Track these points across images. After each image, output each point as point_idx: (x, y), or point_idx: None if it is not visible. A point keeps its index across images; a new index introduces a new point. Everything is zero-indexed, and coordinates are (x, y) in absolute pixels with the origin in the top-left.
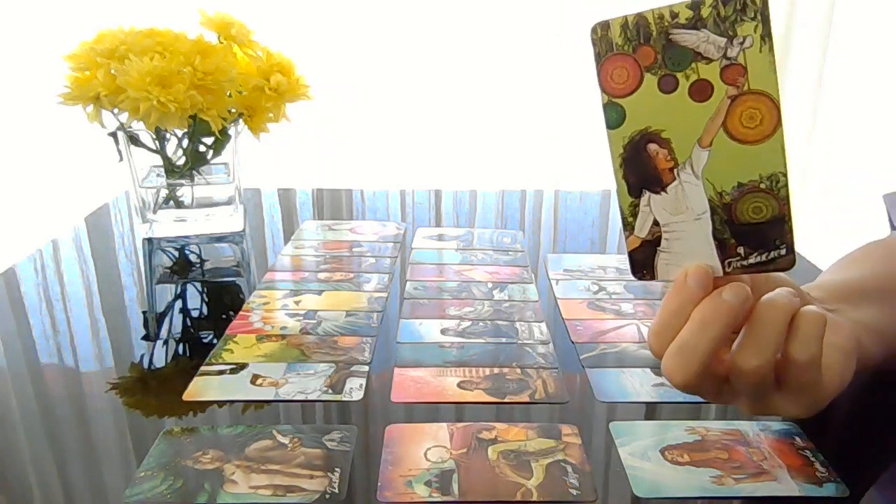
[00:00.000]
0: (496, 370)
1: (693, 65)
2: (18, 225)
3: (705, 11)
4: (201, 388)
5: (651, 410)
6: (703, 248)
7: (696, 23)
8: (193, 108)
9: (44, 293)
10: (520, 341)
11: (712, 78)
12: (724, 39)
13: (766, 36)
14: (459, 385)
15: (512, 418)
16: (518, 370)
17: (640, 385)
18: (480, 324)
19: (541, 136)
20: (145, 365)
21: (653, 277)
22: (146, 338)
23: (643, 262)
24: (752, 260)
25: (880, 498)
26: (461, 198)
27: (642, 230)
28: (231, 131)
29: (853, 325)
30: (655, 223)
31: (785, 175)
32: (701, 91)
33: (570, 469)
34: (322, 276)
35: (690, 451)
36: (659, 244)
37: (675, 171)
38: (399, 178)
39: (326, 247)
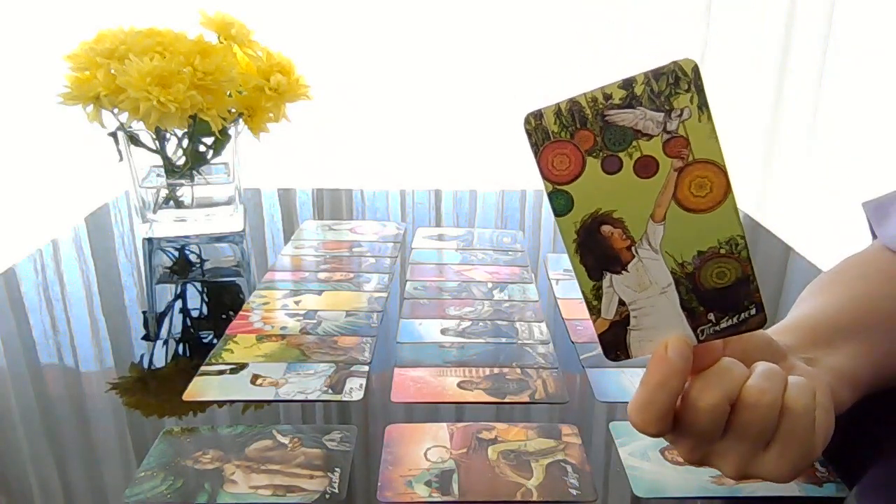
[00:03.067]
0: (496, 370)
1: (634, 143)
2: (18, 225)
3: (639, 89)
4: (201, 388)
5: None
6: (673, 319)
7: (630, 101)
8: (193, 108)
9: (44, 293)
10: (520, 341)
11: (656, 153)
12: (662, 114)
13: (703, 105)
14: (459, 385)
15: (512, 418)
16: (518, 370)
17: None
18: (480, 324)
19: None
20: (145, 365)
21: (627, 356)
22: (146, 338)
23: (615, 342)
24: (723, 324)
25: (880, 498)
26: (461, 198)
27: (609, 312)
28: (231, 131)
29: (828, 376)
30: (621, 303)
31: (742, 237)
32: (646, 167)
33: (570, 469)
34: (322, 276)
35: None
36: (628, 323)
37: (633, 248)
38: (399, 178)
39: (326, 247)
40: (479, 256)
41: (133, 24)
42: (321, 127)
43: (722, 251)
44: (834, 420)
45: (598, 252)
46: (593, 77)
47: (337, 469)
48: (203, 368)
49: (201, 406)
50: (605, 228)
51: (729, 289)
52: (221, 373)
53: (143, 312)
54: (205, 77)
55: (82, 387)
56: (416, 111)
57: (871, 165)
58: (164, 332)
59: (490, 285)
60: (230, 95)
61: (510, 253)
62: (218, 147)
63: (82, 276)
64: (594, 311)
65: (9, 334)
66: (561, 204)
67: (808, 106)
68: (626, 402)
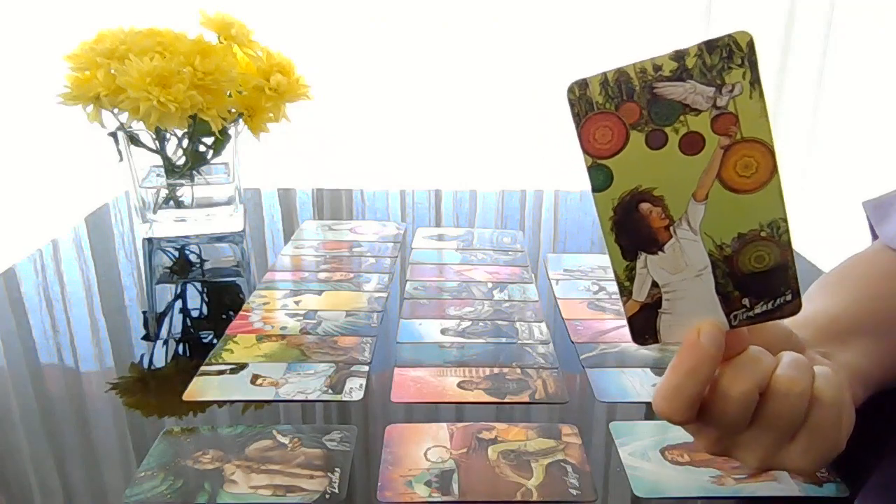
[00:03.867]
0: (496, 370)
1: (682, 118)
2: (18, 225)
3: (690, 61)
4: (201, 388)
5: (651, 410)
6: (707, 304)
7: (681, 74)
8: (193, 108)
9: (44, 293)
10: (520, 341)
11: (703, 129)
12: (713, 89)
13: (756, 81)
14: (459, 385)
15: (512, 418)
16: (518, 370)
17: (640, 385)
18: (480, 324)
19: (541, 137)
20: (145, 365)
21: (656, 341)
22: (146, 338)
23: (644, 326)
24: (757, 310)
25: (880, 498)
26: (461, 198)
27: (641, 294)
28: (231, 131)
29: (844, 372)
30: (654, 285)
31: (785, 220)
32: (692, 144)
33: (570, 469)
34: (322, 276)
35: (690, 451)
36: (660, 306)
37: (671, 228)
38: (399, 178)
39: (326, 247)
40: (479, 256)
41: (133, 24)
42: (321, 127)
43: (763, 234)
44: (854, 415)
45: (634, 231)
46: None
47: (337, 469)
48: (203, 368)
49: (201, 406)
50: (644, 206)
51: (767, 273)
52: (221, 373)
53: (143, 312)
54: (205, 77)
55: (82, 387)
56: (416, 111)
57: (870, 165)
58: (164, 332)
59: (490, 285)
60: (230, 95)
61: (510, 253)
62: (218, 147)
63: (82, 276)
64: (625, 292)
65: (9, 334)
66: (600, 179)
67: (808, 106)
68: (627, 403)
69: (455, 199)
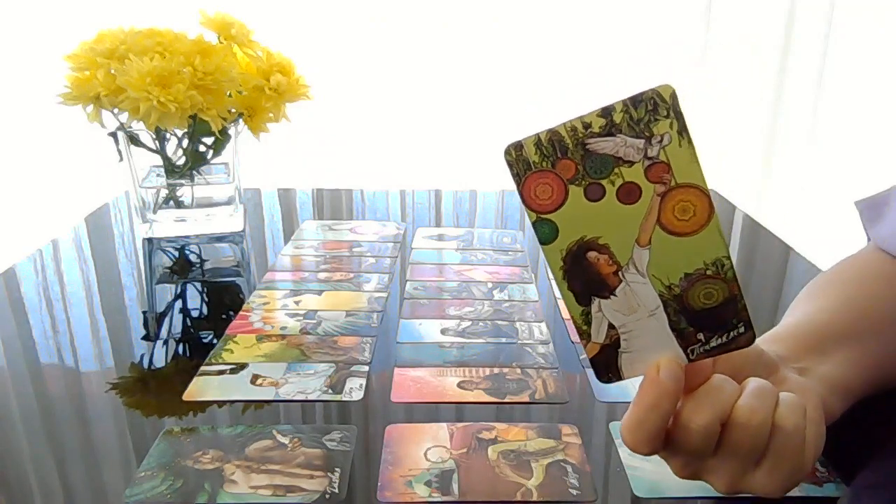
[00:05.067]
0: (496, 370)
1: (616, 170)
2: (18, 225)
3: (618, 117)
4: (201, 388)
5: None
6: (663, 340)
7: (610, 129)
8: (193, 108)
9: (44, 293)
10: (520, 341)
11: (638, 179)
12: (642, 140)
13: (683, 130)
14: (459, 385)
15: (512, 418)
16: (518, 370)
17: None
18: (480, 324)
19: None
20: (145, 365)
21: (619, 378)
22: (146, 338)
23: (606, 365)
24: (713, 343)
25: (880, 498)
26: (461, 198)
27: (599, 335)
28: (231, 131)
29: (819, 387)
30: (611, 326)
31: (728, 258)
32: (629, 194)
33: (570, 469)
34: (322, 276)
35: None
36: (619, 346)
37: (620, 273)
38: (399, 178)
39: (326, 247)
40: (479, 256)
41: (133, 24)
42: (321, 127)
43: (708, 272)
44: (825, 433)
45: (585, 278)
46: (593, 77)
47: (337, 469)
48: (203, 368)
49: (201, 406)
50: (592, 255)
51: (717, 309)
52: (221, 373)
53: (143, 312)
54: (205, 77)
55: (82, 387)
56: (416, 111)
57: (870, 165)
58: (164, 332)
59: (490, 285)
60: (230, 95)
61: (510, 253)
62: (218, 147)
63: (82, 276)
64: (584, 335)
65: (9, 334)
66: (546, 232)
67: (808, 106)
68: (627, 402)
69: (455, 199)
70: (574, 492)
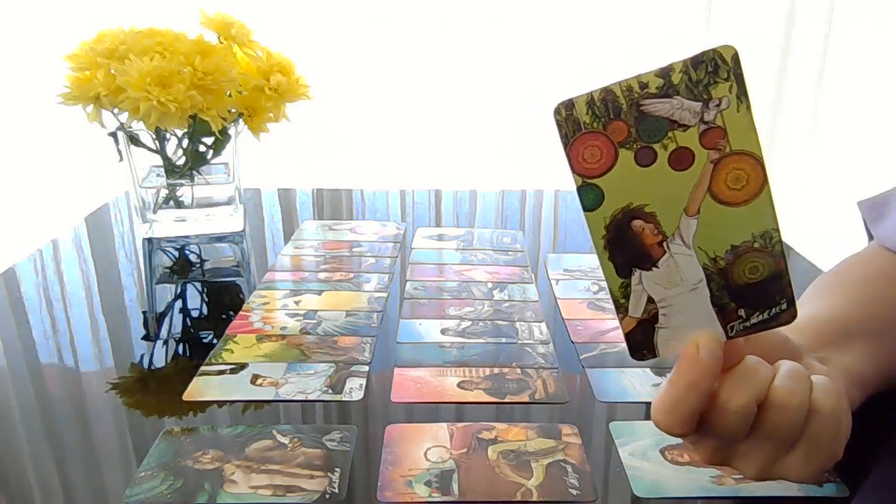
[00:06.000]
0: (496, 370)
1: (670, 134)
2: (18, 225)
3: (676, 78)
4: (201, 388)
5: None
6: (703, 317)
7: (667, 90)
8: (193, 108)
9: (44, 293)
10: (520, 341)
11: (692, 144)
12: (700, 104)
13: (742, 95)
14: (459, 385)
15: (512, 418)
16: (518, 370)
17: (640, 385)
18: (480, 324)
19: (541, 137)
20: (145, 365)
21: (654, 356)
22: (146, 338)
23: (642, 342)
24: (753, 320)
25: (880, 498)
26: (461, 198)
27: (637, 310)
28: (231, 131)
29: (840, 377)
30: (650, 300)
31: (777, 231)
32: (681, 160)
33: (570, 469)
34: (322, 276)
35: (690, 451)
36: (656, 321)
37: (665, 244)
38: (399, 178)
39: (326, 247)
40: (479, 256)
41: (133, 24)
42: (321, 127)
43: (756, 245)
44: (851, 421)
45: (627, 249)
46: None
47: (337, 469)
48: (203, 368)
49: (201, 406)
50: (637, 223)
51: (761, 284)
52: (221, 373)
53: (143, 312)
54: (205, 77)
55: (82, 387)
56: (416, 111)
57: (870, 165)
58: (164, 332)
59: (490, 285)
60: (230, 95)
61: (510, 253)
62: (218, 147)
63: (82, 276)
64: (622, 309)
65: (9, 334)
66: (591, 199)
67: (808, 106)
68: (627, 402)
69: (455, 199)
70: (574, 492)
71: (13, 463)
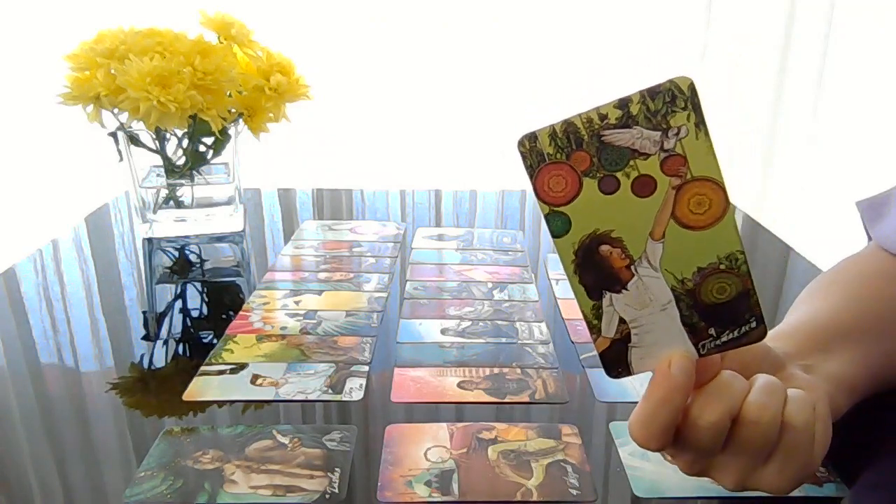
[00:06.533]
0: (496, 370)
1: (631, 162)
2: (18, 225)
3: (634, 109)
4: (201, 388)
5: None
6: (674, 335)
7: (627, 121)
8: (193, 108)
9: (44, 293)
10: (520, 341)
11: (653, 172)
12: (659, 133)
13: (700, 123)
14: (459, 385)
15: (512, 418)
16: (518, 370)
17: (640, 385)
18: (480, 324)
19: None
20: (145, 365)
21: (628, 373)
22: (146, 338)
23: (616, 360)
24: (724, 338)
25: (880, 498)
26: (461, 198)
27: (609, 330)
28: (231, 131)
29: (826, 385)
30: (622, 321)
31: (742, 252)
32: (644, 186)
33: (570, 469)
34: (322, 276)
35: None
36: (629, 340)
37: (632, 267)
38: (399, 178)
39: (326, 247)
40: (479, 256)
41: (133, 24)
42: (321, 127)
43: (722, 266)
44: (832, 430)
45: (597, 272)
46: (592, 77)
47: (337, 469)
48: (203, 368)
49: (201, 406)
50: (604, 248)
51: (729, 303)
52: (221, 373)
53: (143, 312)
54: (205, 77)
55: (82, 387)
56: (416, 111)
57: (870, 165)
58: (164, 332)
59: (490, 285)
60: (230, 95)
61: (510, 253)
62: (218, 147)
63: (82, 276)
64: (595, 329)
65: (9, 334)
66: (558, 225)
67: (808, 106)
68: (627, 402)
69: (455, 199)
70: (574, 492)
71: (13, 463)
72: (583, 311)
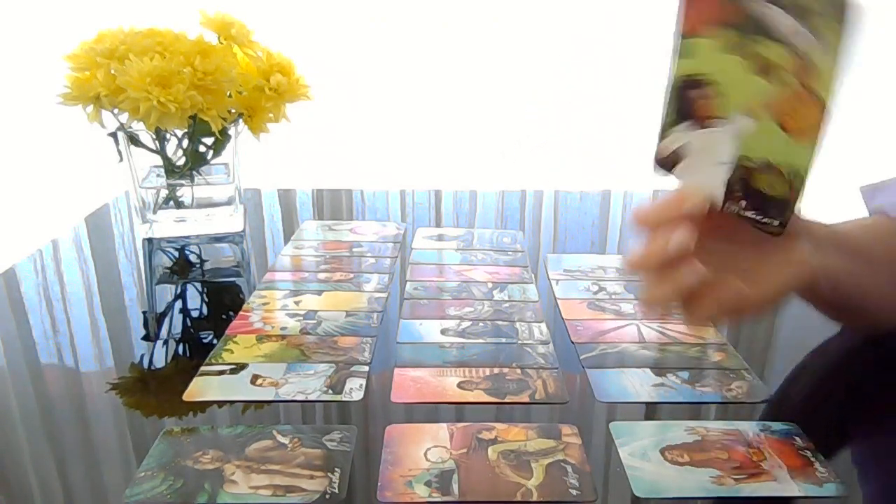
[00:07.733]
0: (496, 370)
1: (771, 43)
2: (18, 225)
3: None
4: (201, 388)
5: (651, 410)
6: (715, 182)
7: (793, 8)
8: (193, 108)
9: (44, 293)
10: (520, 341)
11: (784, 62)
12: (810, 35)
13: (843, 49)
14: (459, 385)
15: (512, 418)
16: (518, 370)
17: (640, 385)
18: (480, 324)
19: (541, 137)
20: (145, 365)
21: (669, 172)
22: (146, 338)
23: (665, 162)
24: (747, 213)
25: (880, 498)
26: (461, 198)
27: (673, 144)
28: (231, 131)
29: (816, 262)
30: (682, 146)
31: (806, 175)
32: (768, 69)
33: (570, 469)
34: (322, 276)
35: (690, 452)
36: (680, 161)
37: (718, 121)
38: (399, 178)
39: (326, 247)
40: (479, 257)
41: (133, 24)
42: (321, 127)
43: (784, 172)
44: (792, 281)
45: (687, 105)
46: (592, 77)
47: (337, 469)
48: (203, 368)
49: (201, 406)
50: (705, 90)
51: (771, 198)
52: (221, 373)
53: (143, 312)
54: (205, 77)
55: (82, 387)
56: (415, 111)
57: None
58: (164, 332)
59: (490, 285)
60: (230, 95)
61: (510, 253)
62: (218, 147)
63: (82, 276)
64: (662, 135)
65: (9, 334)
66: (686, 49)
67: None
68: (627, 403)
69: (455, 199)
70: (574, 492)
71: (13, 463)
72: (664, 118)
